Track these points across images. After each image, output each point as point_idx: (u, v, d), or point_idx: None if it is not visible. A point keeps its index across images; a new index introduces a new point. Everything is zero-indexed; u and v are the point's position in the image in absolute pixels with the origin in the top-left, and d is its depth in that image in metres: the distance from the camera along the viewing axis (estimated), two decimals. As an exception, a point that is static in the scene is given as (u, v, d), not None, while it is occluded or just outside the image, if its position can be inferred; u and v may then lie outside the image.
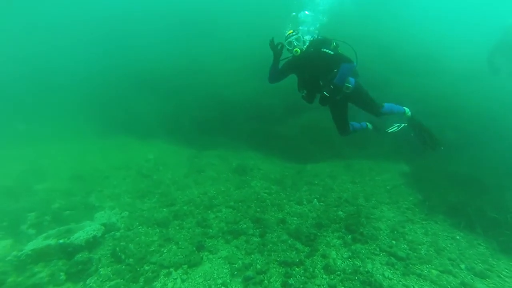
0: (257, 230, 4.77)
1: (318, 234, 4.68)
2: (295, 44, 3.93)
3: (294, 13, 4.82)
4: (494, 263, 4.05)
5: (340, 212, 5.36)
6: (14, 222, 4.93)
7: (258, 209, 5.38)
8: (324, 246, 4.40)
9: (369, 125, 5.03)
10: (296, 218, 5.15)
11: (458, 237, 4.65)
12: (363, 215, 5.24)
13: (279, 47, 4.01)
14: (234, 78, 11.01)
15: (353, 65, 3.88)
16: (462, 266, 3.97)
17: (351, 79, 4.11)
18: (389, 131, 4.84)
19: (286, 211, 5.39)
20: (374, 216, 5.25)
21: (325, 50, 3.89)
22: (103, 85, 13.04)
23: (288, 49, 3.99)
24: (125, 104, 11.55)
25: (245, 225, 4.92)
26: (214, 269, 3.97)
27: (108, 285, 3.73)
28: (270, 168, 7.35)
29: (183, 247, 4.44)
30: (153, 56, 14.16)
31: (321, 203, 5.70)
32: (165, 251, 4.35)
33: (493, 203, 5.23)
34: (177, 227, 4.98)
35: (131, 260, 4.16)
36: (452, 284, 3.64)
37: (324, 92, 3.84)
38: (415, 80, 10.49)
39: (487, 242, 4.48)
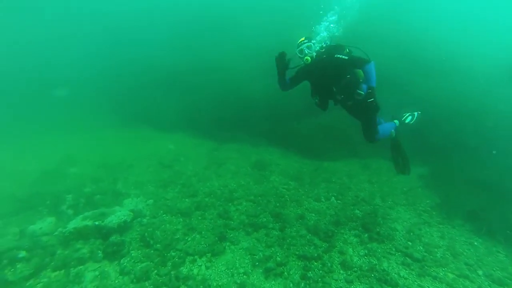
0: (277, 224, 4.97)
1: (336, 231, 4.85)
2: (306, 52, 3.87)
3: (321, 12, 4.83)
4: (510, 265, 4.15)
5: (357, 211, 5.49)
6: (54, 202, 5.40)
7: (278, 204, 5.58)
8: (341, 243, 4.56)
9: (393, 133, 4.85)
10: (314, 215, 5.32)
11: (476, 243, 4.72)
12: (379, 215, 5.36)
13: (286, 61, 3.95)
14: (251, 76, 11.16)
15: (373, 63, 3.84)
16: (480, 272, 4.06)
17: (364, 86, 4.04)
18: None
19: (304, 207, 5.56)
20: (391, 217, 5.36)
21: (338, 55, 3.85)
22: (122, 79, 13.51)
23: (299, 57, 3.93)
24: (144, 98, 11.97)
25: (265, 219, 5.12)
26: (236, 259, 4.21)
27: (139, 266, 4.03)
28: (288, 164, 7.52)
29: (206, 236, 4.69)
30: (170, 53, 14.47)
31: (339, 201, 5.84)
32: (189, 239, 4.61)
33: None
34: (200, 218, 5.22)
35: (158, 245, 4.44)
36: (469, 287, 3.75)
37: (350, 101, 3.95)
38: (435, 81, 10.34)
39: (508, 250, 4.54)
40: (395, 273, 3.98)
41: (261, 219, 5.11)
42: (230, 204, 5.59)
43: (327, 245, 4.51)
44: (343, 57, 3.82)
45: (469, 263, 4.20)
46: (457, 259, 4.29)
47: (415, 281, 3.86)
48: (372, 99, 3.85)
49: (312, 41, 3.94)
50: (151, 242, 4.51)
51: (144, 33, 17.56)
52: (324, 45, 4.04)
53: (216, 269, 4.01)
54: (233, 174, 6.86)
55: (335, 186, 6.44)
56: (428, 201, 6.05)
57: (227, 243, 4.53)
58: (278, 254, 4.27)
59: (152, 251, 4.35)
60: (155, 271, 3.98)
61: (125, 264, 4.10)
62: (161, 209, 5.45)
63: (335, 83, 3.97)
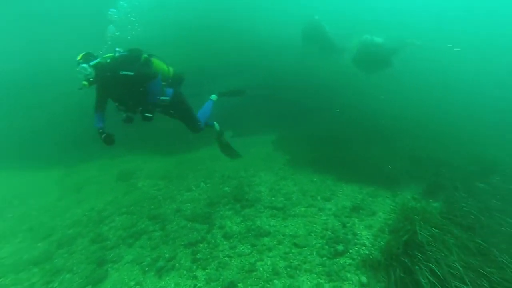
0: (157, 225, 5.08)
1: (212, 211, 5.38)
2: (84, 74, 3.56)
3: (113, 10, 4.59)
4: (334, 188, 5.83)
5: (226, 188, 6.19)
6: None
7: (152, 206, 5.65)
8: (219, 220, 5.13)
9: (216, 126, 5.34)
10: (189, 204, 5.69)
11: (315, 179, 6.25)
12: (245, 184, 6.23)
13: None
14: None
15: (158, 80, 3.87)
16: (319, 198, 5.51)
17: (169, 91, 4.15)
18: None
19: (178, 200, 5.85)
20: (255, 183, 6.32)
21: (124, 72, 3.63)
22: None
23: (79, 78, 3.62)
24: None
25: (143, 225, 5.13)
26: (124, 275, 4.12)
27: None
28: (152, 167, 7.53)
29: (79, 270, 4.31)
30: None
31: (208, 185, 6.41)
32: (56, 285, 4.11)
33: (342, 151, 7.11)
34: (66, 255, 4.70)
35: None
36: (313, 212, 5.08)
37: (145, 114, 3.96)
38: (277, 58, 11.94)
39: (333, 177, 6.25)
40: (266, 225, 4.85)
41: (140, 226, 5.10)
42: (101, 225, 5.26)
43: (208, 226, 4.98)
44: (129, 73, 3.63)
45: (313, 195, 5.60)
46: (305, 195, 5.62)
47: (282, 224, 4.85)
48: (151, 115, 3.93)
49: (94, 59, 3.66)
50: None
51: None
52: (108, 60, 3.78)
53: (103, 295, 3.86)
54: (97, 194, 6.37)
55: (202, 172, 6.97)
56: (281, 160, 7.40)
57: (109, 265, 4.34)
58: (165, 251, 4.45)
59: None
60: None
61: None
62: (-2, 273, 4.52)
63: (130, 97, 3.86)
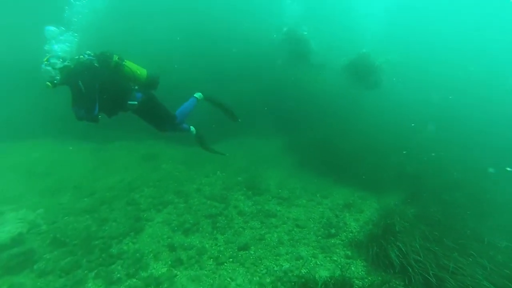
0: (181, 199, 6.40)
1: (227, 194, 6.69)
2: (49, 75, 3.50)
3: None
4: (331, 189, 7.16)
5: (239, 178, 7.51)
6: None
7: (176, 184, 6.96)
8: (234, 201, 6.45)
9: (193, 129, 5.16)
10: (208, 187, 7.01)
11: (315, 180, 7.58)
12: (257, 176, 7.55)
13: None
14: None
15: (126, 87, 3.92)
16: (318, 195, 6.83)
17: (138, 95, 4.17)
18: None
19: (198, 182, 7.17)
20: (265, 177, 7.65)
21: (80, 84, 3.57)
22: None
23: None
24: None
25: (169, 197, 6.44)
26: (157, 230, 5.42)
27: (63, 262, 4.63)
28: (174, 153, 8.84)
29: (122, 222, 5.60)
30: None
31: (224, 174, 7.73)
32: (106, 228, 5.43)
33: (340, 158, 8.42)
34: (108, 210, 6.00)
35: (76, 241, 5.08)
36: (313, 204, 6.44)
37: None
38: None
39: (331, 180, 7.58)
40: (274, 210, 6.17)
41: (166, 198, 6.41)
42: (133, 193, 6.57)
43: (224, 205, 6.29)
44: (82, 87, 3.57)
45: (313, 192, 6.94)
46: (307, 191, 6.95)
47: (286, 210, 6.17)
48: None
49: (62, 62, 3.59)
50: (67, 240, 5.10)
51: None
52: (72, 66, 3.68)
53: (143, 242, 5.12)
54: (125, 168, 7.70)
55: (218, 164, 8.25)
56: (290, 160, 8.73)
57: (144, 221, 5.64)
58: (189, 218, 5.74)
59: (71, 248, 4.97)
60: (84, 259, 4.72)
61: (42, 267, 4.52)
62: (60, 213, 5.86)
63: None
